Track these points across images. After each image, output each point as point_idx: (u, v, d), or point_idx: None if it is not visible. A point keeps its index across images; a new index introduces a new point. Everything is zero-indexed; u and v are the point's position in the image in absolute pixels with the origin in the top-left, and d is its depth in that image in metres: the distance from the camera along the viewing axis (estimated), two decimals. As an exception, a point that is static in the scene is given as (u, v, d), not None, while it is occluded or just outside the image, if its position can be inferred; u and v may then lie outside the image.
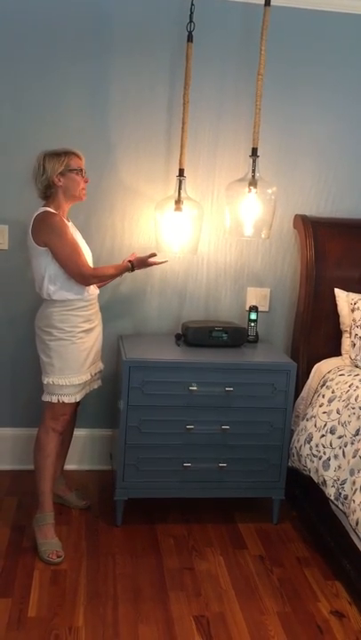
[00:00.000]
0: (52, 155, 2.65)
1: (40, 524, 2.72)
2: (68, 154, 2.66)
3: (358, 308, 3.07)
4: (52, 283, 2.64)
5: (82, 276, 2.64)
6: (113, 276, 2.87)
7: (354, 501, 2.38)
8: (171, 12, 3.07)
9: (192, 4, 2.96)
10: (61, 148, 2.68)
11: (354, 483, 2.43)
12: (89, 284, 2.70)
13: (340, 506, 2.50)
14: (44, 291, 2.67)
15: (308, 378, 3.14)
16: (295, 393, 3.00)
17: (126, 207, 3.23)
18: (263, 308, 3.38)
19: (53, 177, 2.63)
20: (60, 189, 2.66)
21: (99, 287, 2.88)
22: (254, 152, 2.98)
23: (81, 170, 2.69)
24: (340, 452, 2.57)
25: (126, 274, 2.93)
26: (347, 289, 3.20)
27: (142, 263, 2.90)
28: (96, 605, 2.39)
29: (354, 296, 3.14)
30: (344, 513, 2.47)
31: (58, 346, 2.68)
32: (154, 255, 2.91)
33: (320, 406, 2.83)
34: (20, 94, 3.08)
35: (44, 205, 2.68)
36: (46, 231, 2.60)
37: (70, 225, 2.74)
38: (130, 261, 2.87)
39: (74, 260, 2.61)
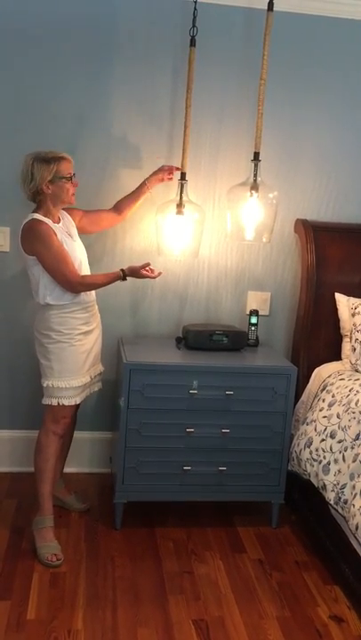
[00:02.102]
0: (42, 161, 2.60)
1: (39, 527, 2.72)
2: (57, 160, 2.61)
3: (359, 313, 3.07)
4: (49, 290, 2.64)
5: (69, 285, 2.62)
6: (103, 284, 2.76)
7: (354, 506, 2.38)
8: (174, 16, 3.07)
9: (195, 9, 2.96)
10: (50, 152, 2.64)
11: (354, 487, 2.43)
12: (77, 292, 2.66)
13: (339, 510, 2.50)
14: (41, 297, 2.67)
15: (308, 382, 3.14)
16: (295, 397, 3.00)
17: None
18: (264, 311, 3.39)
19: (42, 185, 2.60)
20: (48, 196, 2.63)
21: None
22: (256, 156, 2.99)
23: (70, 176, 2.65)
24: (341, 457, 2.57)
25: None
26: (347, 293, 3.20)
27: (134, 272, 2.77)
28: (95, 608, 2.38)
29: (354, 300, 3.14)
30: (344, 517, 2.47)
31: (56, 348, 2.68)
32: (148, 265, 2.80)
33: (320, 410, 2.83)
34: (22, 96, 3.09)
35: (34, 210, 2.67)
36: (33, 241, 2.59)
37: (61, 226, 2.70)
38: (122, 270, 2.78)
39: (61, 269, 2.59)
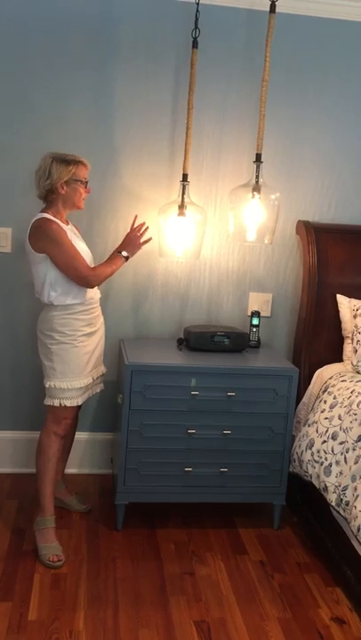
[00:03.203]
0: (61, 161, 2.63)
1: (41, 528, 2.72)
2: (76, 163, 2.64)
3: (360, 314, 3.07)
4: (53, 289, 2.64)
5: (83, 279, 2.63)
6: (112, 271, 2.75)
7: (355, 507, 2.38)
8: (176, 17, 3.08)
9: (197, 11, 2.97)
10: (70, 155, 2.66)
11: (355, 489, 2.42)
12: (92, 286, 2.69)
13: (341, 512, 2.50)
14: (45, 296, 2.67)
15: (309, 383, 3.14)
16: (297, 398, 3.00)
17: (129, 212, 3.22)
18: (265, 313, 3.39)
19: (58, 184, 2.63)
20: (60, 197, 2.66)
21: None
22: (258, 158, 2.99)
23: (86, 182, 2.68)
24: (342, 458, 2.57)
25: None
26: (349, 295, 3.20)
27: (131, 243, 2.79)
28: (96, 609, 2.38)
29: (356, 302, 3.14)
30: (345, 519, 2.47)
31: (59, 349, 2.68)
32: (141, 228, 2.80)
33: (322, 412, 2.83)
34: (26, 98, 3.09)
35: (43, 209, 2.68)
36: (43, 239, 2.60)
37: (70, 228, 2.74)
38: (119, 251, 2.77)
39: (73, 265, 2.61)
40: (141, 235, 2.83)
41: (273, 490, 2.97)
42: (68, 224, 2.75)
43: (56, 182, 2.62)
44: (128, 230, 2.88)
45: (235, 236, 3.08)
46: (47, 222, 2.61)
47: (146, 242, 2.85)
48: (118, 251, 2.79)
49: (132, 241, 2.82)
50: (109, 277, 2.84)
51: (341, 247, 3.24)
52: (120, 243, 2.85)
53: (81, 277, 2.63)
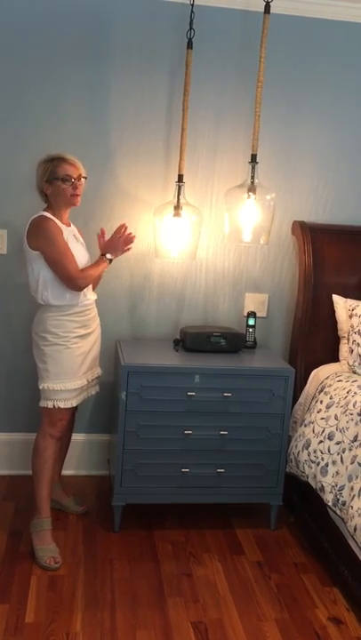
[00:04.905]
0: (42, 161, 2.66)
1: (37, 530, 2.71)
2: (54, 160, 2.63)
3: (356, 315, 3.08)
4: (46, 287, 2.64)
5: (71, 279, 2.62)
6: (99, 273, 2.77)
7: (352, 507, 2.38)
8: (171, 18, 3.08)
9: (192, 12, 2.97)
10: (55, 153, 2.67)
11: (352, 489, 2.43)
12: (79, 288, 2.66)
13: (338, 512, 2.50)
14: (39, 295, 2.67)
15: (305, 384, 3.14)
16: (293, 399, 3.00)
17: (125, 212, 3.23)
18: (261, 313, 3.39)
19: (41, 184, 2.65)
20: (50, 196, 2.67)
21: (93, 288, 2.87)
22: (253, 158, 2.99)
23: (67, 178, 2.63)
24: (339, 458, 2.57)
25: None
26: (345, 295, 3.21)
27: (112, 247, 2.78)
28: (94, 611, 2.38)
29: (352, 302, 3.15)
30: (342, 519, 2.47)
31: (52, 351, 2.68)
32: (122, 230, 2.79)
33: (318, 412, 2.83)
34: (21, 99, 3.09)
35: (44, 209, 2.69)
36: (38, 235, 2.60)
37: (70, 229, 2.74)
38: (102, 254, 2.77)
39: (63, 264, 2.60)
40: (123, 236, 2.80)
41: (270, 490, 2.97)
42: (69, 225, 2.75)
43: (39, 182, 2.65)
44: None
45: (230, 236, 3.08)
46: (44, 220, 2.62)
47: (128, 247, 2.83)
48: (102, 253, 2.79)
49: (114, 243, 2.80)
50: (98, 280, 2.86)
51: (337, 247, 3.25)
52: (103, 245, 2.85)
53: (68, 277, 2.61)
